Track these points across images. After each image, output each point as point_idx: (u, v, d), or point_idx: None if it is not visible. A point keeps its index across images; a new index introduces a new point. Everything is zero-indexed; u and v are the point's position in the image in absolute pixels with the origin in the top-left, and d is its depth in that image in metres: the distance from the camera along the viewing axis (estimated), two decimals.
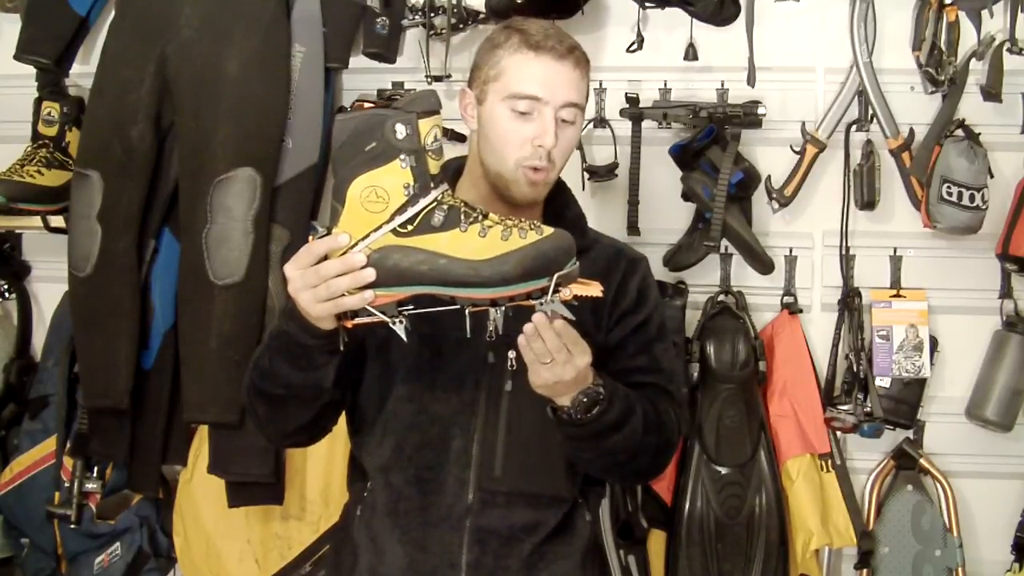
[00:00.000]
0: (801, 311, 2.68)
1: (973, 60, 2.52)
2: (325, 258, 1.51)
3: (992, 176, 2.52)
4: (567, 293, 1.49)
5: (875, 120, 2.60)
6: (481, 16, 2.59)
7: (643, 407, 1.71)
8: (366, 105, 2.60)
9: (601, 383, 1.63)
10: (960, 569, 2.59)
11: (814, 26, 2.66)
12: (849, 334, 2.65)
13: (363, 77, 2.76)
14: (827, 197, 2.67)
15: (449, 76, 2.68)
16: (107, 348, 2.57)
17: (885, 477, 2.66)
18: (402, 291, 1.50)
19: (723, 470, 2.58)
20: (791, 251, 2.68)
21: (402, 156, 1.47)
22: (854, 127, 2.63)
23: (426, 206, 1.48)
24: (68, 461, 2.79)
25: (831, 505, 2.61)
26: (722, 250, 2.64)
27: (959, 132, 2.53)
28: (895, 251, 2.66)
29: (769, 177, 2.63)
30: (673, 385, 1.87)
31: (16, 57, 2.74)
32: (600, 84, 2.65)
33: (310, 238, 1.55)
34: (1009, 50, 2.47)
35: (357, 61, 2.70)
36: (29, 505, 2.83)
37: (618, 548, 2.60)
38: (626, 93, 2.65)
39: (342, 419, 1.84)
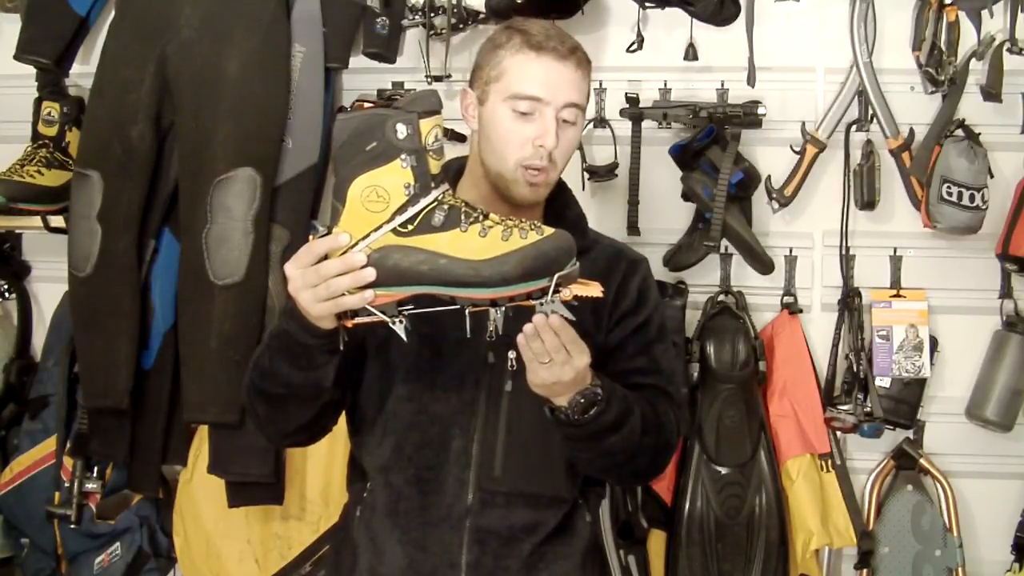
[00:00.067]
0: (801, 311, 2.69)
1: (973, 60, 2.52)
2: (325, 257, 1.51)
3: (992, 176, 2.52)
4: (567, 293, 1.49)
5: (875, 120, 2.60)
6: (481, 16, 2.59)
7: (642, 408, 1.71)
8: (366, 105, 2.60)
9: (599, 384, 1.63)
10: (960, 569, 2.59)
11: (814, 26, 2.66)
12: (849, 334, 2.65)
13: (363, 77, 2.76)
14: (827, 197, 2.67)
15: (449, 76, 2.68)
16: (107, 348, 2.57)
17: (885, 477, 2.66)
18: (402, 291, 1.50)
19: (723, 470, 2.58)
20: (791, 251, 2.68)
21: (403, 156, 1.47)
22: (854, 127, 2.63)
23: (427, 206, 1.48)
24: (68, 461, 2.79)
25: (831, 505, 2.61)
26: (722, 250, 2.64)
27: (959, 132, 2.53)
28: (895, 251, 2.66)
29: (769, 177, 2.63)
30: (672, 386, 1.87)
31: (16, 57, 2.74)
32: (600, 84, 2.65)
33: (310, 237, 1.55)
34: (1009, 50, 2.47)
35: (357, 61, 2.70)
36: (29, 505, 2.83)
37: (618, 548, 2.60)
38: (626, 93, 2.65)
39: (342, 419, 1.84)
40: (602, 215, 2.66)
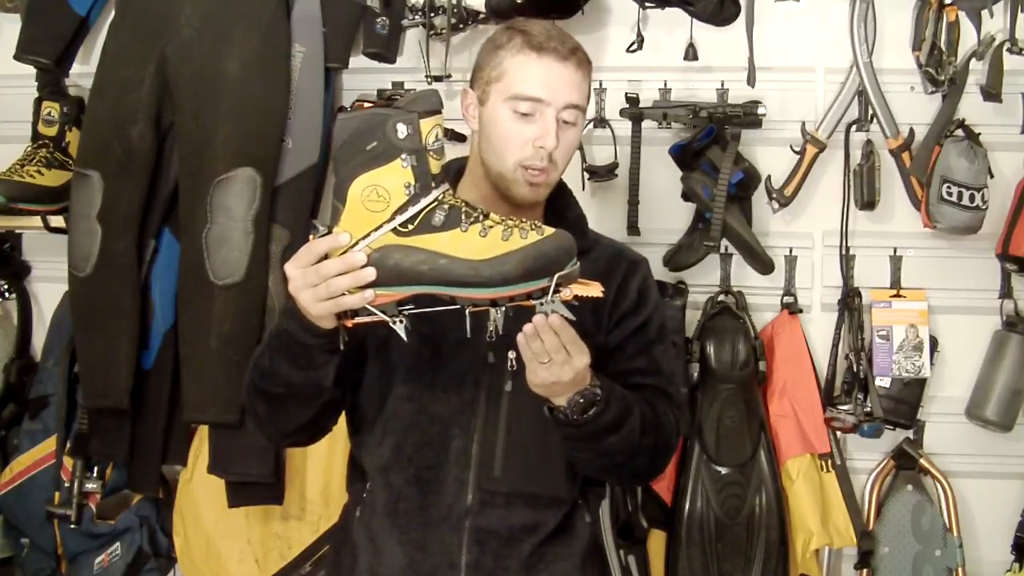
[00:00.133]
0: (801, 311, 2.69)
1: (973, 60, 2.52)
2: (326, 257, 1.51)
3: (992, 176, 2.52)
4: (567, 293, 1.49)
5: (875, 120, 2.60)
6: (481, 16, 2.59)
7: (641, 408, 1.71)
8: (366, 105, 2.60)
9: (599, 384, 1.62)
10: (960, 569, 2.59)
11: (814, 26, 2.66)
12: (849, 334, 2.65)
13: (363, 77, 2.76)
14: (827, 197, 2.67)
15: (449, 76, 2.68)
16: (107, 348, 2.57)
17: (885, 477, 2.66)
18: (402, 291, 1.50)
19: (723, 470, 2.58)
20: (791, 251, 2.68)
21: (403, 155, 1.47)
22: (854, 127, 2.63)
23: (427, 206, 1.48)
24: (68, 461, 2.79)
25: (831, 505, 2.61)
26: (722, 250, 2.64)
27: (959, 132, 2.53)
28: (895, 251, 2.66)
29: (769, 177, 2.63)
30: (672, 387, 1.87)
31: (16, 57, 2.74)
32: (600, 84, 2.65)
33: (311, 237, 1.55)
34: (1009, 50, 2.47)
35: (357, 61, 2.70)
36: (29, 505, 2.83)
37: (618, 548, 2.60)
38: (626, 93, 2.65)
39: (342, 419, 1.84)
40: (602, 215, 2.66)
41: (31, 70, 2.80)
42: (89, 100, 2.67)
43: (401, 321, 1.53)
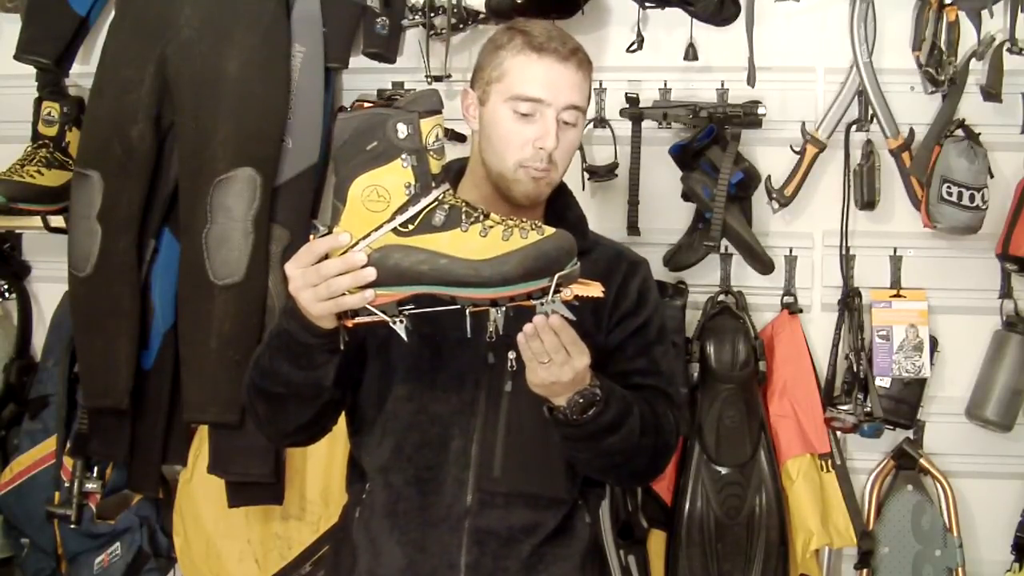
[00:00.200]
0: (801, 311, 2.69)
1: (973, 60, 2.52)
2: (326, 257, 1.51)
3: (992, 176, 2.52)
4: (568, 293, 1.48)
5: (875, 120, 2.60)
6: (481, 16, 2.59)
7: (641, 409, 1.71)
8: (366, 105, 2.60)
9: (598, 384, 1.62)
10: (960, 569, 2.59)
11: (814, 26, 2.66)
12: (849, 334, 2.65)
13: (363, 77, 2.76)
14: (827, 197, 2.67)
15: (449, 76, 2.68)
16: (107, 348, 2.57)
17: (885, 477, 2.66)
18: (402, 290, 1.50)
19: (723, 470, 2.58)
20: (791, 251, 2.68)
21: (403, 155, 1.47)
22: (854, 127, 2.63)
23: (427, 205, 1.48)
24: (68, 461, 2.79)
25: (831, 505, 2.61)
26: (722, 250, 2.64)
27: (959, 132, 2.53)
28: (895, 251, 2.66)
29: (769, 177, 2.63)
30: (672, 388, 1.87)
31: (16, 57, 2.75)
32: (600, 84, 2.65)
33: (311, 237, 1.55)
34: (1009, 50, 2.47)
35: (357, 61, 2.70)
36: (29, 505, 2.83)
37: (618, 548, 2.60)
38: (626, 93, 2.65)
39: (342, 419, 1.84)
40: (602, 215, 2.66)
41: (31, 70, 2.80)
42: (89, 100, 2.67)
43: (401, 321, 1.53)
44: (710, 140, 2.57)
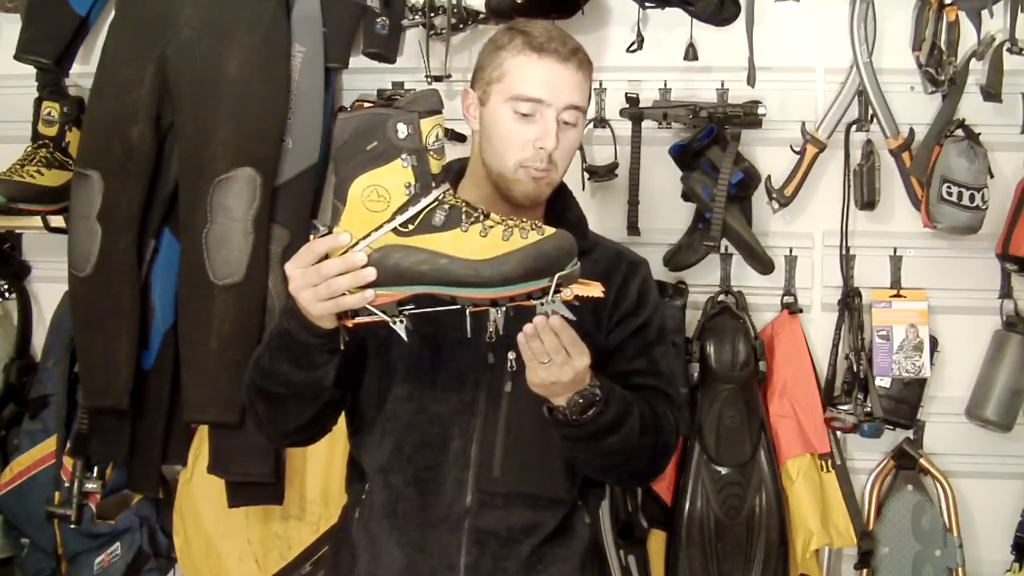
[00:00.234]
0: (801, 311, 2.69)
1: (973, 60, 2.52)
2: (326, 257, 1.51)
3: (992, 176, 2.53)
4: (568, 293, 1.48)
5: (875, 120, 2.60)
6: (481, 16, 2.59)
7: (641, 409, 1.71)
8: (366, 105, 2.59)
9: (598, 385, 1.62)
10: (960, 569, 2.59)
11: (814, 26, 2.66)
12: (849, 334, 2.65)
13: (363, 77, 2.76)
14: (827, 197, 2.67)
15: (449, 76, 2.68)
16: (107, 348, 2.57)
17: (885, 477, 2.66)
18: (402, 290, 1.50)
19: (723, 470, 2.58)
20: (791, 251, 2.68)
21: (404, 155, 1.47)
22: (854, 127, 2.63)
23: (427, 205, 1.48)
24: (68, 461, 2.79)
25: (831, 505, 2.61)
26: (722, 250, 2.64)
27: (959, 132, 2.53)
28: (895, 251, 2.66)
29: (769, 177, 2.63)
30: (672, 388, 1.86)
31: (16, 57, 2.75)
32: (600, 84, 2.64)
33: (311, 237, 1.55)
34: (1009, 50, 2.47)
35: (357, 61, 2.70)
36: (29, 505, 2.83)
37: (618, 548, 2.60)
38: (626, 93, 2.65)
39: (342, 419, 1.84)
40: (602, 215, 2.66)
41: (31, 70, 2.80)
42: (89, 100, 2.67)
43: (401, 321, 1.52)
44: (710, 140, 2.57)
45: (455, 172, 1.85)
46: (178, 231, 2.59)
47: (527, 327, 1.51)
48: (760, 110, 2.57)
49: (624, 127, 2.66)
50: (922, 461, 2.63)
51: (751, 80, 2.52)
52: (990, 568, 2.65)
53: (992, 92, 2.49)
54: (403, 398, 1.76)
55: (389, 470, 1.77)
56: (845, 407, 2.61)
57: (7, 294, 3.01)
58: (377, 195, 1.48)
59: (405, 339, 1.54)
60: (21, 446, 2.88)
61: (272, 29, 2.54)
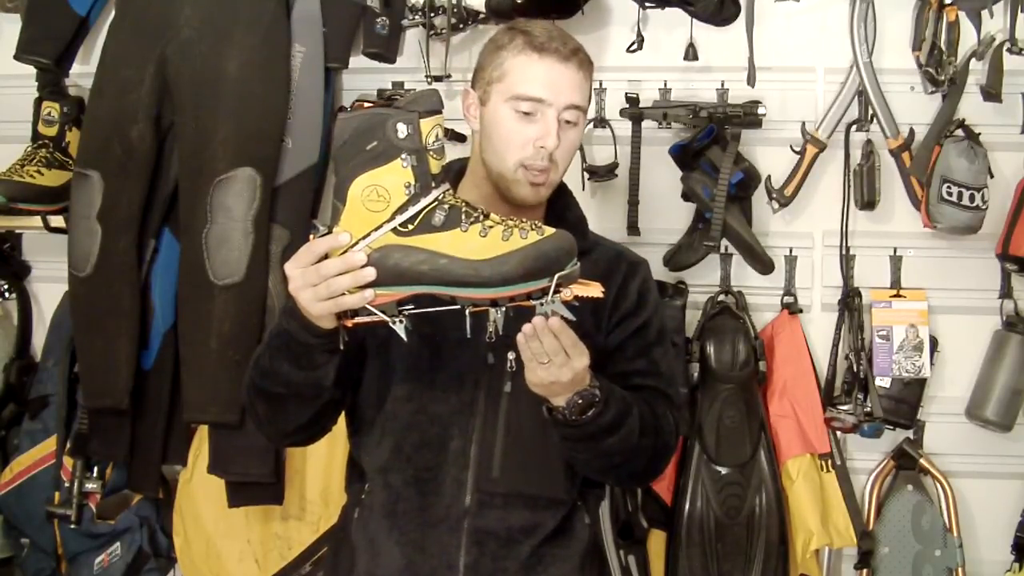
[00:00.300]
0: (801, 311, 2.69)
1: (973, 60, 2.52)
2: (326, 257, 1.51)
3: (992, 176, 2.53)
4: (568, 294, 1.48)
5: (875, 120, 2.60)
6: (481, 16, 2.59)
7: (640, 410, 1.71)
8: (366, 105, 2.59)
9: (598, 385, 1.62)
10: (960, 569, 2.59)
11: (814, 26, 2.66)
12: (849, 334, 2.65)
13: (363, 77, 2.76)
14: (827, 197, 2.67)
15: (449, 76, 2.68)
16: (107, 348, 2.57)
17: (885, 477, 2.66)
18: (402, 290, 1.50)
19: (723, 470, 2.58)
20: (791, 251, 2.68)
21: (403, 155, 1.47)
22: (854, 127, 2.63)
23: (427, 205, 1.48)
24: (68, 461, 2.79)
25: (831, 505, 2.61)
26: (722, 250, 2.64)
27: (959, 132, 2.53)
28: (895, 251, 2.66)
29: (769, 177, 2.63)
30: (672, 389, 1.86)
31: (16, 57, 2.75)
32: (600, 84, 2.64)
33: (311, 237, 1.55)
34: (1009, 50, 2.47)
35: (357, 61, 2.70)
36: (29, 505, 2.83)
37: (618, 548, 2.60)
38: (626, 93, 2.65)
39: (343, 419, 1.84)
40: (602, 215, 2.66)
41: (31, 70, 2.80)
42: (89, 100, 2.67)
43: (401, 321, 1.52)
44: (710, 140, 2.57)
45: (455, 172, 1.85)
46: (178, 231, 2.59)
47: (526, 327, 1.51)
48: (760, 110, 2.57)
49: (624, 127, 2.65)
50: (922, 461, 2.63)
51: (751, 80, 2.52)
52: (990, 568, 2.65)
53: (992, 92, 2.49)
54: (403, 398, 1.76)
55: (389, 470, 1.77)
56: (845, 407, 2.61)
57: (7, 294, 3.02)
58: (377, 195, 1.48)
59: (404, 339, 1.54)
60: (21, 446, 2.88)
61: (272, 29, 2.54)
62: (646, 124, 2.64)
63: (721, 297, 2.68)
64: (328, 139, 2.61)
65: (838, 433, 2.65)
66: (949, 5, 2.50)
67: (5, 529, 2.92)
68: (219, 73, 2.49)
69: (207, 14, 2.52)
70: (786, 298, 2.68)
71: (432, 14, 2.62)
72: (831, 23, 2.64)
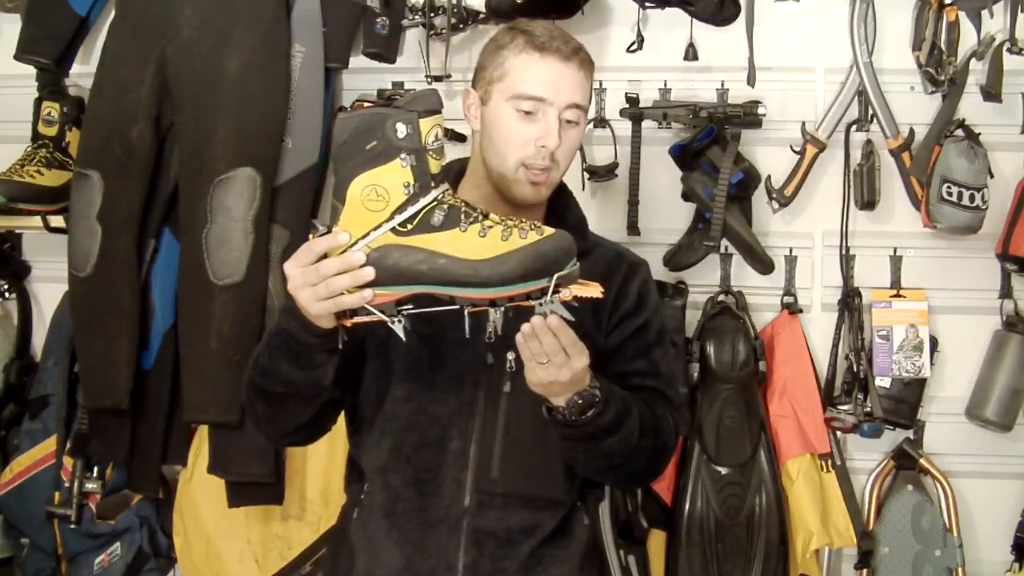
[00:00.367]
0: (801, 311, 2.68)
1: (973, 60, 2.52)
2: (325, 256, 1.50)
3: (992, 176, 2.52)
4: (567, 294, 1.48)
5: (875, 120, 2.60)
6: (481, 16, 2.59)
7: (640, 410, 1.70)
8: (366, 105, 2.59)
9: (598, 385, 1.62)
10: (960, 569, 2.59)
11: (814, 26, 2.66)
12: (849, 334, 2.65)
13: (363, 77, 2.76)
14: (827, 197, 2.67)
15: (449, 76, 2.68)
16: (107, 348, 2.57)
17: (885, 477, 2.66)
18: (401, 290, 1.49)
19: (723, 470, 2.58)
20: (791, 251, 2.68)
21: (403, 155, 1.47)
22: (854, 127, 2.63)
23: (426, 205, 1.48)
24: (68, 461, 2.79)
25: (831, 505, 2.61)
26: (722, 250, 2.64)
27: (959, 132, 2.53)
28: (895, 251, 2.66)
29: (769, 177, 2.63)
30: (672, 389, 1.86)
31: (16, 57, 2.75)
32: (600, 84, 2.64)
33: (310, 236, 1.55)
34: (1009, 50, 2.47)
35: (357, 61, 2.70)
36: (29, 505, 2.83)
37: (618, 548, 2.60)
38: (626, 93, 2.65)
39: (343, 419, 1.84)
40: (602, 215, 2.66)
41: (31, 70, 2.80)
42: (89, 100, 2.67)
43: (400, 321, 1.52)
44: (710, 140, 2.57)
45: (455, 172, 1.85)
46: (178, 231, 2.59)
47: (524, 327, 1.51)
48: (760, 110, 2.57)
49: (624, 127, 2.65)
50: (922, 461, 2.62)
51: (751, 80, 2.52)
52: (990, 568, 2.65)
53: (992, 92, 2.49)
54: (402, 398, 1.76)
55: (388, 470, 1.76)
56: (845, 407, 2.61)
57: (7, 294, 3.02)
58: (376, 194, 1.48)
59: (403, 339, 1.54)
60: (21, 446, 2.88)
61: (272, 29, 2.54)
62: (646, 124, 2.64)
63: (721, 297, 2.68)
64: (328, 139, 2.60)
65: (838, 433, 2.65)
66: (949, 5, 2.50)
67: (5, 529, 2.92)
68: (219, 73, 2.49)
69: (207, 14, 2.52)
70: (786, 298, 2.68)
71: (432, 14, 2.62)
72: (831, 23, 2.64)
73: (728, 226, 2.55)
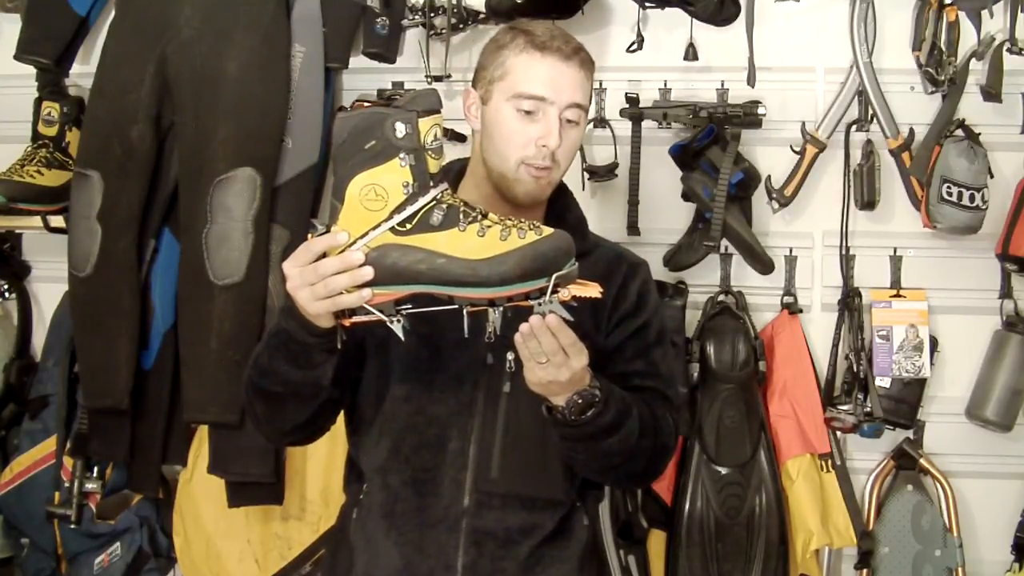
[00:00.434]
0: (801, 311, 2.68)
1: (973, 60, 2.52)
2: (324, 256, 1.50)
3: (992, 176, 2.52)
4: (566, 294, 1.48)
5: (875, 120, 2.60)
6: (481, 16, 2.60)
7: (640, 411, 1.70)
8: (366, 105, 2.59)
9: (597, 385, 1.62)
10: (960, 569, 2.59)
11: (814, 26, 2.66)
12: (849, 334, 2.65)
13: (363, 77, 2.76)
14: (827, 197, 2.67)
15: (449, 76, 2.68)
16: (107, 348, 2.57)
17: (885, 477, 2.65)
18: (400, 290, 1.49)
19: (723, 470, 2.58)
20: (791, 251, 2.68)
21: (402, 155, 1.47)
22: (854, 127, 2.63)
23: (425, 205, 1.48)
24: (68, 461, 2.79)
25: (831, 505, 2.61)
26: (722, 250, 2.64)
27: (959, 132, 2.53)
28: (895, 251, 2.66)
29: (769, 177, 2.63)
30: (671, 390, 1.86)
31: (16, 57, 2.75)
32: (600, 84, 2.64)
33: (309, 236, 1.55)
34: (1009, 50, 2.47)
35: (357, 61, 2.70)
36: (29, 505, 2.83)
37: (618, 548, 2.60)
38: (626, 93, 2.65)
39: (342, 419, 1.84)
40: (602, 215, 2.66)
41: (31, 70, 2.80)
42: (89, 100, 2.67)
43: (399, 321, 1.52)
44: (710, 140, 2.57)
45: (455, 172, 1.85)
46: (178, 231, 2.59)
47: (523, 326, 1.51)
48: (760, 110, 2.57)
49: (624, 127, 2.66)
50: (922, 461, 2.62)
51: (751, 80, 2.52)
52: (990, 568, 2.65)
53: (992, 92, 2.49)
54: (401, 398, 1.76)
55: (387, 470, 1.76)
56: (845, 407, 2.61)
57: (7, 294, 3.02)
58: (375, 194, 1.47)
59: (402, 339, 1.54)
60: (21, 446, 2.88)
61: (272, 29, 2.54)
62: (646, 124, 2.64)
63: (721, 297, 2.68)
64: (328, 139, 2.60)
65: (838, 433, 2.65)
66: (949, 5, 2.50)
67: (5, 529, 2.92)
68: (219, 73, 2.49)
69: (207, 14, 2.53)
70: (786, 298, 2.68)
71: (432, 14, 2.62)
72: (831, 23, 2.64)
73: (728, 226, 2.55)
